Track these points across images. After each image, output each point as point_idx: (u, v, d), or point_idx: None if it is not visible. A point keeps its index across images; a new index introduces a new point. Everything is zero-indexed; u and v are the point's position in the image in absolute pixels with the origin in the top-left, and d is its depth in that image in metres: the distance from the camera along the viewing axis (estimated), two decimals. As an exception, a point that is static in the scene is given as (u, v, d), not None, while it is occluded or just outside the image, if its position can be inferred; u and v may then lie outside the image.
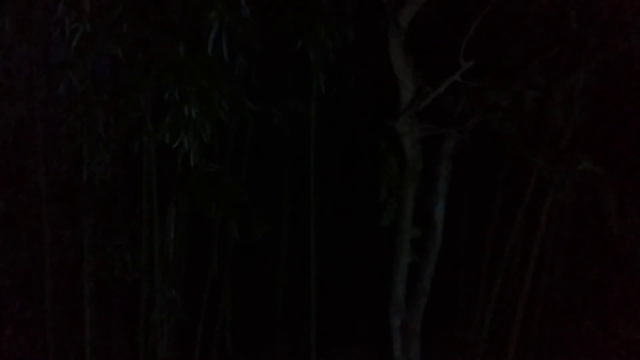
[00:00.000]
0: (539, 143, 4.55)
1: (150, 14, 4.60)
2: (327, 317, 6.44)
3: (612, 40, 4.57)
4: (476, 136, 4.84)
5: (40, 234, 6.22)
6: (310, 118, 5.96)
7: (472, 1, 4.23)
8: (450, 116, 4.82)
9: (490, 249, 6.31)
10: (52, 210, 6.26)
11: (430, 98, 4.36)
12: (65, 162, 6.14)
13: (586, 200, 5.62)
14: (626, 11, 4.15)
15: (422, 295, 5.38)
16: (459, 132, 4.68)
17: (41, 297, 6.25)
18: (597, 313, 6.61)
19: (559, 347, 6.65)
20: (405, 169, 5.20)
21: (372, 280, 6.48)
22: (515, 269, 5.64)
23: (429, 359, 5.43)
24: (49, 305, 6.21)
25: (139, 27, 4.58)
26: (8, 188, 6.37)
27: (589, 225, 5.86)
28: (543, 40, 4.62)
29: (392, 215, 5.56)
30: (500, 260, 5.83)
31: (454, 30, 4.21)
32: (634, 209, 4.35)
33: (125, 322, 6.78)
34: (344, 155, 6.95)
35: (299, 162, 6.53)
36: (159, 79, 4.70)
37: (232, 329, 7.01)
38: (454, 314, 6.83)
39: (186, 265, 6.68)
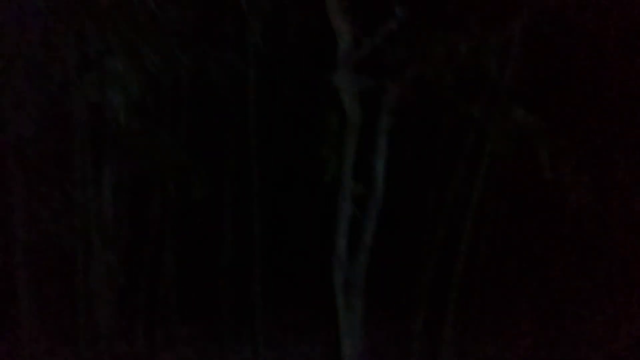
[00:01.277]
0: (475, 94, 4.48)
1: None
2: (272, 276, 6.40)
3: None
4: (415, 89, 4.74)
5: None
6: (249, 73, 5.76)
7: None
8: (388, 68, 4.70)
9: (431, 203, 6.34)
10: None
11: (366, 48, 4.21)
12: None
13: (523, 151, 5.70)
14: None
15: (364, 251, 5.34)
16: (397, 85, 4.56)
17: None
18: (533, 264, 6.77)
19: (496, 301, 6.79)
20: (345, 123, 5.08)
21: (317, 237, 6.40)
22: (456, 223, 5.66)
23: (373, 316, 5.43)
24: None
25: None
26: None
27: (525, 175, 5.91)
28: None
29: (334, 171, 5.48)
30: (442, 214, 5.84)
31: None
32: (569, 159, 4.38)
33: (63, 289, 6.55)
34: (285, 111, 6.79)
35: (239, 120, 6.33)
36: (81, 30, 4.42)
37: (176, 293, 6.89)
38: (396, 271, 6.86)
39: (126, 229, 6.49)
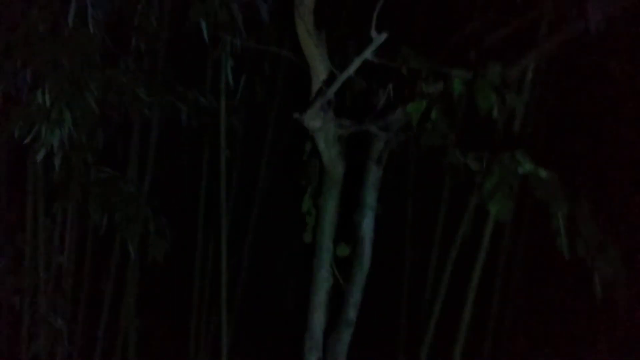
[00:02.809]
0: (473, 141, 3.70)
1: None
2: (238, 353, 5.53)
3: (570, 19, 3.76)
4: (405, 134, 3.97)
5: None
6: (221, 113, 5.05)
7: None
8: (375, 110, 3.95)
9: (429, 270, 5.46)
10: None
11: (338, 83, 3.46)
12: None
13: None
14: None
15: (347, 327, 4.47)
16: (382, 129, 3.80)
17: None
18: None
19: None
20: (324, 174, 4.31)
21: (293, 308, 5.52)
22: (458, 295, 4.79)
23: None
24: None
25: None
26: None
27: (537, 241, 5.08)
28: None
29: (315, 231, 4.67)
30: (440, 283, 4.97)
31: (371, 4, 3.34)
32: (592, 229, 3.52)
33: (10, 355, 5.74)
34: (264, 158, 6.01)
35: (211, 166, 5.59)
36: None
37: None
38: (387, 350, 5.90)
39: (80, 287, 5.70)
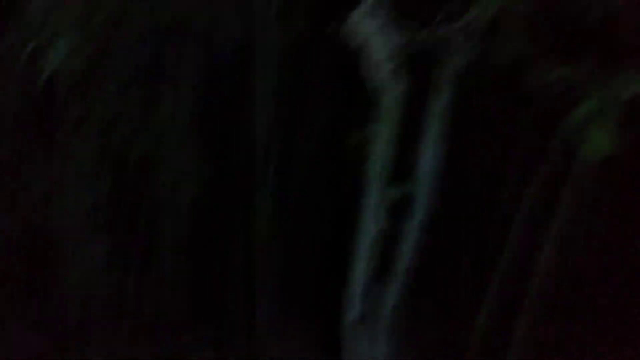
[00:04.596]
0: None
1: None
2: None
3: None
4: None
5: None
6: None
7: None
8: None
9: (496, 219, 4.65)
10: None
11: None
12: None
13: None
14: None
15: (396, 280, 3.84)
16: (460, 36, 3.01)
17: None
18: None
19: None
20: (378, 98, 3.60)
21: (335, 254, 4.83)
22: (527, 251, 4.04)
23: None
24: None
25: None
26: None
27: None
28: None
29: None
30: (511, 233, 4.21)
31: None
32: None
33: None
34: (306, 83, 5.19)
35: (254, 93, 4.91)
36: None
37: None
38: (444, 308, 5.15)
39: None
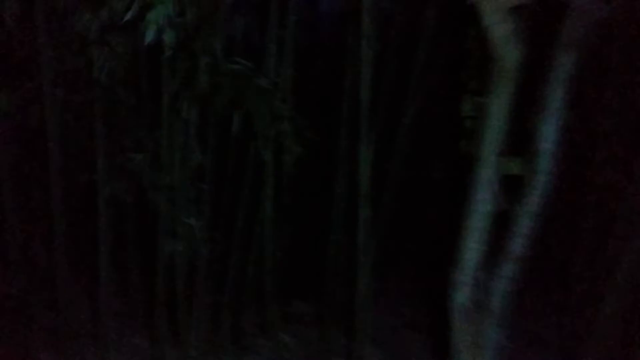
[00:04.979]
0: None
1: None
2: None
3: None
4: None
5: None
6: None
7: None
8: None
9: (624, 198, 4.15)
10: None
11: None
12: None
13: None
14: None
15: (510, 262, 3.53)
16: None
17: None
18: None
19: None
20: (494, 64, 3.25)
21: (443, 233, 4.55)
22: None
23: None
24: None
25: None
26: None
27: None
28: None
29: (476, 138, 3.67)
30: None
31: None
32: None
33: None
34: (416, 48, 4.86)
35: (357, 62, 4.65)
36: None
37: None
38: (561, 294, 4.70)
39: (217, 190, 5.30)
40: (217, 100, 4.44)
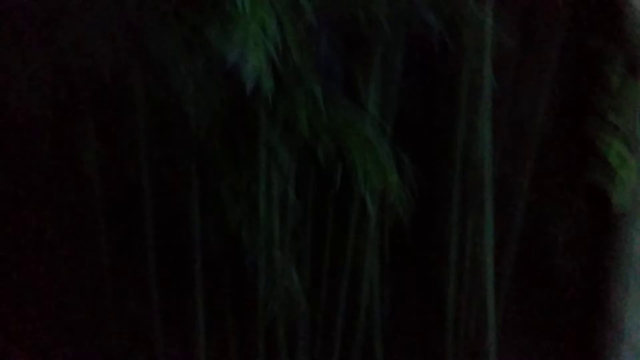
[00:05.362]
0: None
1: None
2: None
3: None
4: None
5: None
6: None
7: None
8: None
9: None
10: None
11: None
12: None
13: None
14: None
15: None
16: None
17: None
18: None
19: None
20: None
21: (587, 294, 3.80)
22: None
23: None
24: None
25: None
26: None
27: None
28: None
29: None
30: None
31: None
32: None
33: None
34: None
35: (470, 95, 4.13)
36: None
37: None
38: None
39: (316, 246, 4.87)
40: (319, 151, 4.08)
